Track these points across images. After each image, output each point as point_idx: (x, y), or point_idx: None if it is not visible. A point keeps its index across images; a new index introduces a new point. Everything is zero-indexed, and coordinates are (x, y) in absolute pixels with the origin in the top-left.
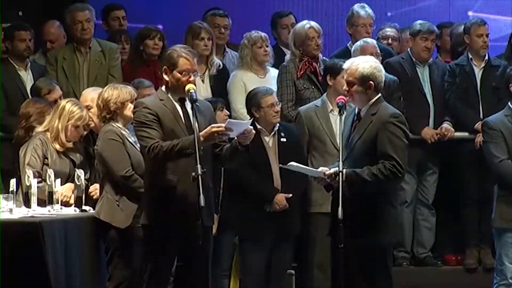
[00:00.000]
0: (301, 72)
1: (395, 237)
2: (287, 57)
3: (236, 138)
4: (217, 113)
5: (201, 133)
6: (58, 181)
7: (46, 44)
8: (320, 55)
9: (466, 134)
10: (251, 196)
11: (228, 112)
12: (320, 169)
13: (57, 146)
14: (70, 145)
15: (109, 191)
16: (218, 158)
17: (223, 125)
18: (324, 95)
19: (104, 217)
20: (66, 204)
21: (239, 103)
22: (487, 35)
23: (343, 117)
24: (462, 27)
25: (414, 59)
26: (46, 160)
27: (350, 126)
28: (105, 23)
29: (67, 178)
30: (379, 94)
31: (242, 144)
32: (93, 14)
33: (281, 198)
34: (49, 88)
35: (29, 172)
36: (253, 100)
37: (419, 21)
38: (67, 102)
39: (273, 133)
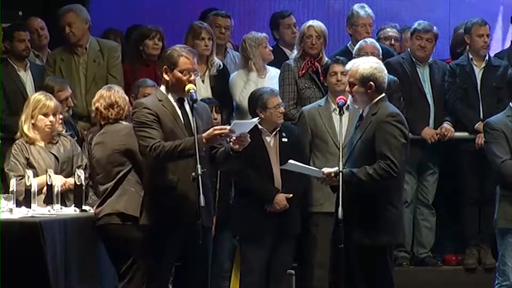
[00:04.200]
0: (303, 71)
1: (396, 238)
2: (292, 55)
3: (230, 143)
4: None
5: (203, 135)
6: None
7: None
8: (325, 56)
9: (466, 134)
10: (251, 196)
11: (216, 116)
12: (324, 169)
13: (35, 145)
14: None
15: (134, 186)
16: (213, 160)
17: (227, 127)
18: (328, 94)
19: (134, 212)
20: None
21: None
22: (487, 35)
23: (343, 116)
24: (463, 27)
25: (414, 59)
26: (28, 161)
27: (355, 126)
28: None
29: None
30: (382, 94)
31: (234, 150)
32: (81, 15)
33: (281, 198)
34: (61, 86)
35: (29, 172)
36: (259, 100)
37: (419, 21)
38: (36, 95)
39: (274, 133)
